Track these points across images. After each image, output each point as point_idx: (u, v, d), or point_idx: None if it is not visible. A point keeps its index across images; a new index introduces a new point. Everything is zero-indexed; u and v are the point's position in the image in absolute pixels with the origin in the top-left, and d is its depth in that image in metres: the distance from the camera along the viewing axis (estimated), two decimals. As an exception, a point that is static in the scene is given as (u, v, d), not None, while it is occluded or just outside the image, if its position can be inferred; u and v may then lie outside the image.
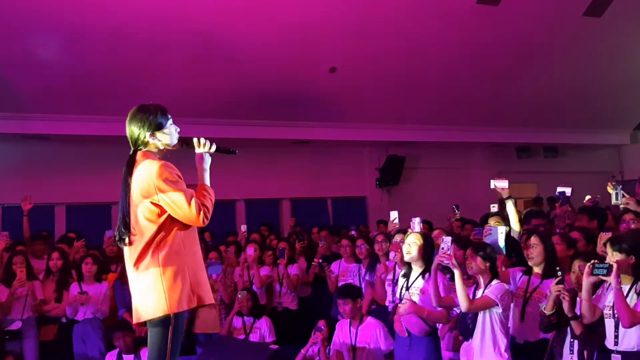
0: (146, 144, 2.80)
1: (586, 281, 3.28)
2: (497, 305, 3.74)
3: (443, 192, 10.84)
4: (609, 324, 3.32)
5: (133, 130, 2.79)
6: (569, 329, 3.56)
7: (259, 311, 5.69)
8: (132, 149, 2.81)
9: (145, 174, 2.69)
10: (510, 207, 5.12)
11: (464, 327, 3.92)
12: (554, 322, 3.60)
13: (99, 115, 8.54)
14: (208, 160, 2.91)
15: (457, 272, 3.74)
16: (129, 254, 2.76)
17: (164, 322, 2.68)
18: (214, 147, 2.95)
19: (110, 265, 6.25)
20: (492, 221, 4.95)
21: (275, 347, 5.11)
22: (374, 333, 4.80)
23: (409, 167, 11.39)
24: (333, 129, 10.15)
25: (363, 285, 5.58)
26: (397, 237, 4.99)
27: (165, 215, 2.70)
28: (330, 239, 7.24)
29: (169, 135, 2.85)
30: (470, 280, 4.13)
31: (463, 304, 3.74)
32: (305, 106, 9.41)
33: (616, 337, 3.26)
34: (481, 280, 3.90)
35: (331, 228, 7.81)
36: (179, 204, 2.66)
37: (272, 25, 7.98)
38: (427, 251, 4.23)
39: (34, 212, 6.72)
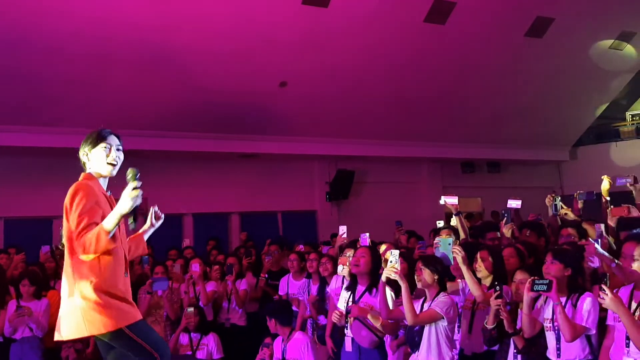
0: (84, 164, 2.95)
1: (526, 296, 3.37)
2: (443, 318, 3.79)
3: (391, 206, 11.00)
4: (550, 336, 3.42)
5: (80, 151, 2.95)
6: (511, 341, 3.64)
7: (206, 327, 5.59)
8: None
9: (69, 191, 2.78)
10: (459, 222, 5.25)
11: (411, 339, 3.97)
12: (495, 335, 3.69)
13: (41, 127, 8.27)
14: (133, 202, 2.65)
15: (403, 286, 3.78)
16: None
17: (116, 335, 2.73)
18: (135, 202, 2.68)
19: (49, 281, 6.01)
20: (443, 234, 5.03)
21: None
22: (301, 348, 4.83)
23: (359, 182, 11.50)
24: (283, 142, 10.16)
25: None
26: (347, 252, 5.01)
27: None
28: (278, 253, 7.20)
29: (97, 158, 2.92)
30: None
31: (409, 318, 3.79)
32: (255, 119, 9.39)
33: (558, 349, 3.36)
34: (428, 293, 3.95)
35: (280, 242, 7.76)
36: (73, 227, 2.68)
37: (222, 38, 7.96)
38: (374, 266, 4.29)
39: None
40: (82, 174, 2.91)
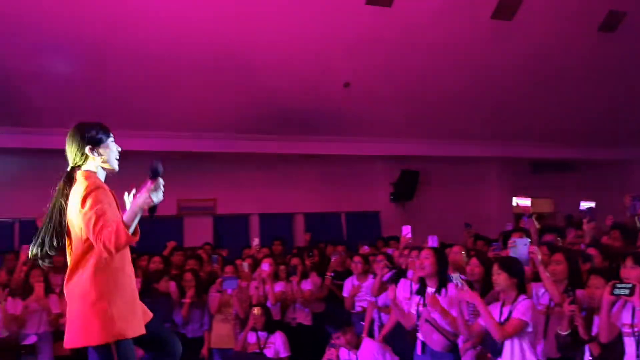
0: (86, 158, 2.74)
1: (606, 300, 3.24)
2: (529, 324, 3.68)
3: (457, 207, 10.82)
4: (629, 342, 3.28)
5: (72, 145, 2.75)
6: (586, 348, 3.52)
7: (273, 326, 5.68)
8: (71, 165, 2.76)
9: (75, 194, 2.64)
10: (533, 224, 5.12)
11: (492, 345, 3.86)
12: (569, 342, 3.56)
13: (113, 131, 8.63)
14: (155, 197, 2.55)
15: (481, 308, 3.71)
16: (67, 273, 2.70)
17: (103, 350, 2.60)
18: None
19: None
20: (515, 236, 4.92)
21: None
22: (374, 354, 4.76)
23: (424, 182, 11.36)
24: (347, 143, 10.17)
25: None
26: (413, 254, 4.98)
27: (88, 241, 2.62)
28: (345, 254, 7.22)
29: (109, 151, 2.79)
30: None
31: (497, 335, 3.66)
32: (319, 121, 9.44)
33: (638, 356, 3.22)
34: (506, 297, 3.82)
35: (346, 243, 7.79)
36: (89, 228, 2.54)
37: (286, 40, 8.05)
38: (441, 267, 4.25)
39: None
40: (83, 172, 2.71)
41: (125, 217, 2.50)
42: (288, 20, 7.84)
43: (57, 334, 5.57)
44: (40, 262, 2.72)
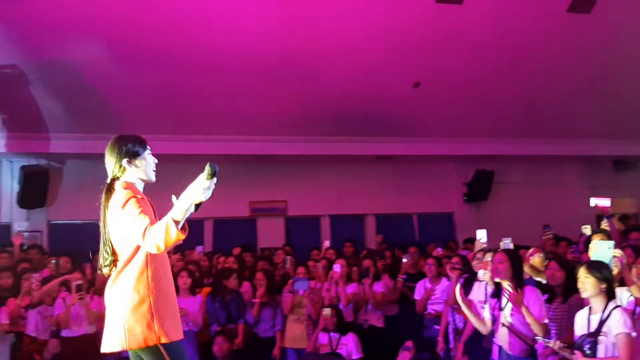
0: (124, 170, 2.81)
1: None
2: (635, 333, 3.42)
3: (534, 208, 10.45)
4: None
5: (110, 158, 2.83)
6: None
7: (345, 328, 5.69)
8: (110, 177, 2.83)
9: (114, 203, 2.71)
10: (610, 226, 4.86)
11: (579, 348, 3.67)
12: None
13: (189, 135, 8.94)
14: (197, 196, 2.50)
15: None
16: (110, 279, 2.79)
17: (153, 352, 2.66)
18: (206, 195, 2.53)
19: (203, 279, 6.46)
20: (596, 238, 4.70)
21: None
22: None
23: (498, 182, 11.05)
24: (418, 143, 10.06)
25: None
26: (488, 256, 4.86)
27: (135, 248, 2.70)
28: (417, 256, 7.14)
29: (146, 163, 2.86)
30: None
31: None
32: (389, 121, 9.38)
33: None
34: (594, 304, 3.56)
35: (419, 245, 7.70)
36: (132, 229, 2.59)
37: (355, 42, 8.04)
38: (516, 270, 4.12)
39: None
40: (122, 183, 2.79)
41: (174, 213, 2.50)
42: (355, 21, 7.83)
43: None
44: (104, 270, 2.79)
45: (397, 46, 8.23)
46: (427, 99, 9.10)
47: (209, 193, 2.51)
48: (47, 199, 9.02)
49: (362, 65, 8.39)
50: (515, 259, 4.25)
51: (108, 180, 2.83)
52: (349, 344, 5.56)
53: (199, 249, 7.43)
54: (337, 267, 6.12)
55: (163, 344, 2.65)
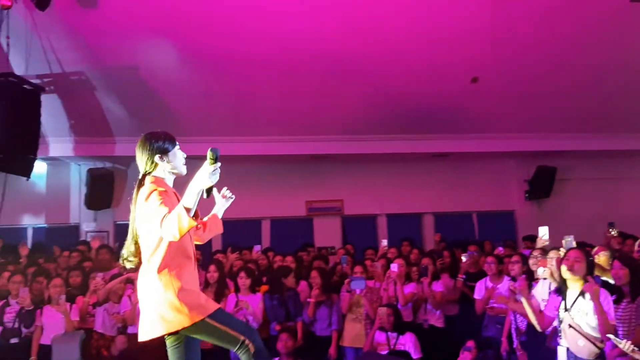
0: (155, 166, 2.92)
1: None
2: None
3: (599, 205, 10.11)
4: None
5: (141, 155, 2.93)
6: None
7: (403, 327, 5.64)
8: (142, 173, 2.93)
9: (140, 197, 2.82)
10: None
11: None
12: None
13: (247, 137, 9.09)
14: (211, 178, 2.66)
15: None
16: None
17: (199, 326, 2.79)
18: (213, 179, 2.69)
19: (262, 277, 6.56)
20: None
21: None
22: None
23: (561, 179, 10.72)
24: (476, 140, 9.87)
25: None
26: (552, 254, 4.72)
27: (159, 239, 2.80)
28: (477, 255, 7.00)
29: (176, 158, 2.96)
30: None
31: None
32: (447, 118, 9.24)
33: None
34: None
35: (479, 244, 7.55)
36: (154, 219, 2.68)
37: (409, 38, 7.94)
38: (589, 271, 3.98)
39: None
40: (151, 177, 2.90)
41: (184, 201, 2.61)
42: (410, 17, 7.73)
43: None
44: (126, 263, 2.95)
45: (453, 42, 8.08)
46: (485, 94, 8.90)
47: (216, 177, 2.66)
48: (113, 200, 9.36)
49: (417, 62, 8.29)
50: (589, 256, 4.12)
51: (139, 176, 2.93)
52: (407, 343, 5.51)
53: (256, 248, 7.55)
54: (394, 267, 6.08)
55: (208, 316, 2.78)
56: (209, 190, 2.73)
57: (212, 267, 6.12)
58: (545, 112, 9.41)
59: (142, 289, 2.87)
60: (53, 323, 5.62)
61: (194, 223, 2.59)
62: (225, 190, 3.17)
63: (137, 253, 2.91)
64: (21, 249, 7.73)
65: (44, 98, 7.52)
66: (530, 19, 7.90)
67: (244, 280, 5.82)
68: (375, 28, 7.75)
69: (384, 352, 5.52)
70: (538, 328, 4.35)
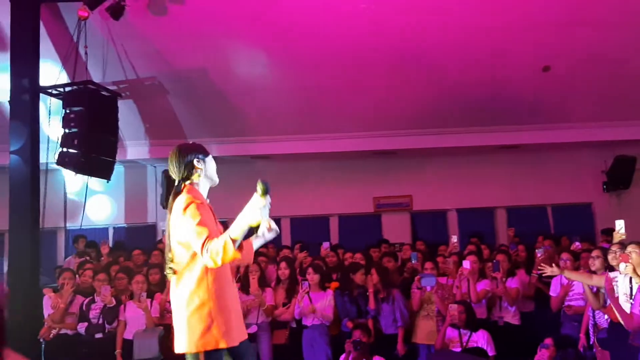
0: (191, 173, 2.96)
1: None
2: None
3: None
4: None
5: (176, 162, 2.97)
6: None
7: (477, 324, 5.54)
8: (177, 182, 2.98)
9: (177, 207, 2.85)
10: None
11: None
12: None
13: (314, 134, 9.17)
14: (255, 217, 2.66)
15: None
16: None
17: (193, 358, 2.79)
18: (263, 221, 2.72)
19: (332, 274, 6.60)
20: None
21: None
22: None
23: (641, 169, 10.20)
24: (548, 131, 9.52)
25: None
26: (630, 248, 4.50)
27: (191, 255, 2.81)
28: (553, 250, 6.77)
29: (208, 167, 3.01)
30: None
31: None
32: (518, 109, 8.97)
33: None
34: None
35: (554, 238, 7.30)
36: (192, 238, 2.72)
37: (475, 27, 7.75)
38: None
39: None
40: (186, 185, 2.95)
41: (232, 232, 2.63)
42: (476, 3, 7.54)
43: (274, 324, 6.06)
44: (166, 270, 2.97)
45: (522, 31, 7.83)
46: (558, 81, 8.58)
47: (266, 212, 2.64)
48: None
49: (486, 50, 8.06)
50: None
51: (176, 183, 2.99)
52: (480, 341, 5.41)
53: (325, 245, 7.61)
54: (466, 264, 5.97)
55: (205, 353, 2.76)
56: (256, 228, 2.73)
57: (283, 264, 6.23)
58: (622, 99, 8.96)
59: (175, 301, 2.89)
60: (135, 319, 5.86)
61: (238, 255, 2.62)
62: (272, 223, 2.85)
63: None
64: (102, 248, 8.12)
65: (120, 104, 7.89)
66: (604, 1, 7.55)
67: (312, 276, 5.87)
68: (440, 18, 7.61)
69: (457, 349, 5.44)
70: (628, 327, 4.16)
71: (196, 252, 2.76)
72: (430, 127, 9.28)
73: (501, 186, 10.19)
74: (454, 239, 7.85)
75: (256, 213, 2.63)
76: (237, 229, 2.63)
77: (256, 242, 2.86)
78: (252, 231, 2.79)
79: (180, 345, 2.84)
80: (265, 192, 2.64)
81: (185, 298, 2.82)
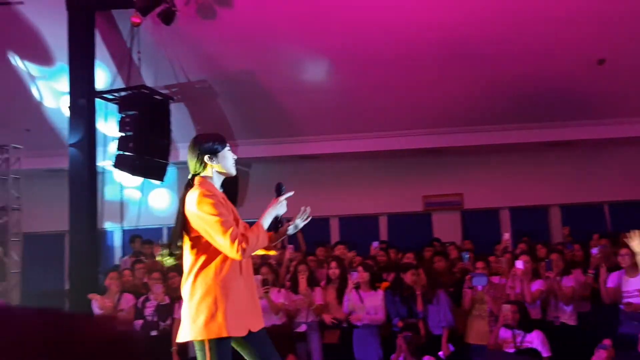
0: (204, 167, 2.97)
1: None
2: None
3: None
4: None
5: (191, 156, 2.99)
6: None
7: (530, 325, 5.42)
8: (191, 173, 2.99)
9: (190, 200, 2.85)
10: None
11: None
12: None
13: (362, 133, 9.15)
14: (279, 210, 3.01)
15: None
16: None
17: (200, 346, 2.81)
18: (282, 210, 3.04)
19: (382, 273, 6.58)
20: None
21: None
22: None
23: None
24: (605, 126, 9.20)
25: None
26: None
27: (204, 242, 2.85)
28: (610, 248, 6.55)
29: (225, 159, 3.01)
30: None
31: None
32: (568, 104, 8.71)
33: None
34: None
35: (612, 237, 7.06)
36: (215, 233, 2.77)
37: (528, 20, 7.58)
38: None
39: (310, 224, 7.40)
40: (199, 178, 2.96)
41: (255, 228, 2.84)
42: (528, 3, 7.38)
43: (324, 324, 6.08)
44: (167, 260, 3.06)
45: (574, 23, 7.60)
46: (614, 75, 8.28)
47: (283, 208, 3.01)
48: (238, 200, 9.82)
49: (539, 43, 7.86)
50: None
51: (189, 176, 3.01)
52: (534, 341, 5.28)
53: (374, 244, 7.59)
54: (519, 264, 5.84)
55: (211, 340, 2.78)
56: (277, 224, 3.00)
57: (333, 264, 6.25)
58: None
59: (185, 291, 2.92)
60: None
61: (266, 244, 2.86)
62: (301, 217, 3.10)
63: (180, 253, 2.97)
64: (155, 248, 8.34)
65: (172, 107, 8.09)
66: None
67: (361, 274, 5.86)
68: (490, 9, 7.47)
69: (510, 350, 5.34)
70: None
71: (206, 242, 2.83)
72: (481, 124, 9.12)
73: (555, 184, 9.91)
74: (506, 235, 7.70)
75: (273, 211, 2.95)
76: (259, 227, 2.87)
77: (265, 222, 2.96)
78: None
79: (185, 333, 2.87)
80: (279, 192, 3.02)
81: (192, 287, 2.86)
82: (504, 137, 9.27)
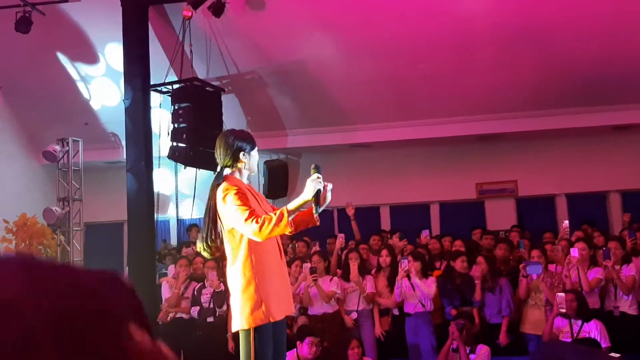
0: (233, 162, 3.05)
1: None
2: None
3: None
4: None
5: (222, 148, 3.06)
6: None
7: (588, 314, 5.27)
8: (219, 167, 3.08)
9: (219, 194, 2.93)
10: None
11: None
12: None
13: (413, 120, 9.05)
14: (309, 192, 2.81)
15: None
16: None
17: (245, 334, 2.91)
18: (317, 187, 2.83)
19: (435, 262, 6.53)
20: None
21: (616, 355, 4.64)
22: None
23: None
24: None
25: None
26: None
27: (236, 233, 2.91)
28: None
29: (251, 158, 3.09)
30: None
31: None
32: (629, 87, 8.35)
33: None
34: None
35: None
36: (236, 220, 2.81)
37: (586, 5, 7.33)
38: None
39: (362, 213, 7.41)
40: (227, 174, 3.05)
41: (289, 205, 2.81)
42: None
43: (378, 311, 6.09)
44: (203, 253, 3.13)
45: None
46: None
47: (320, 186, 2.80)
48: (288, 189, 9.92)
49: (599, 24, 7.55)
50: None
51: (218, 169, 3.10)
52: (592, 331, 5.14)
53: (425, 233, 7.53)
54: (574, 252, 5.68)
55: (257, 327, 2.88)
56: (317, 202, 2.85)
57: (384, 252, 6.25)
58: None
59: (229, 283, 3.05)
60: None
61: (288, 229, 2.76)
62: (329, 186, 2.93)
63: (214, 245, 3.04)
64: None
65: (224, 98, 8.22)
66: None
67: (412, 263, 5.84)
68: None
69: (567, 340, 5.22)
70: None
71: (241, 235, 2.90)
72: (537, 108, 8.85)
73: (614, 169, 9.54)
74: (565, 223, 7.47)
75: (310, 187, 2.81)
76: (294, 203, 2.83)
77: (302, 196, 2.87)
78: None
79: (235, 324, 2.98)
80: (317, 171, 2.84)
81: (235, 279, 2.96)
82: (561, 122, 8.95)
